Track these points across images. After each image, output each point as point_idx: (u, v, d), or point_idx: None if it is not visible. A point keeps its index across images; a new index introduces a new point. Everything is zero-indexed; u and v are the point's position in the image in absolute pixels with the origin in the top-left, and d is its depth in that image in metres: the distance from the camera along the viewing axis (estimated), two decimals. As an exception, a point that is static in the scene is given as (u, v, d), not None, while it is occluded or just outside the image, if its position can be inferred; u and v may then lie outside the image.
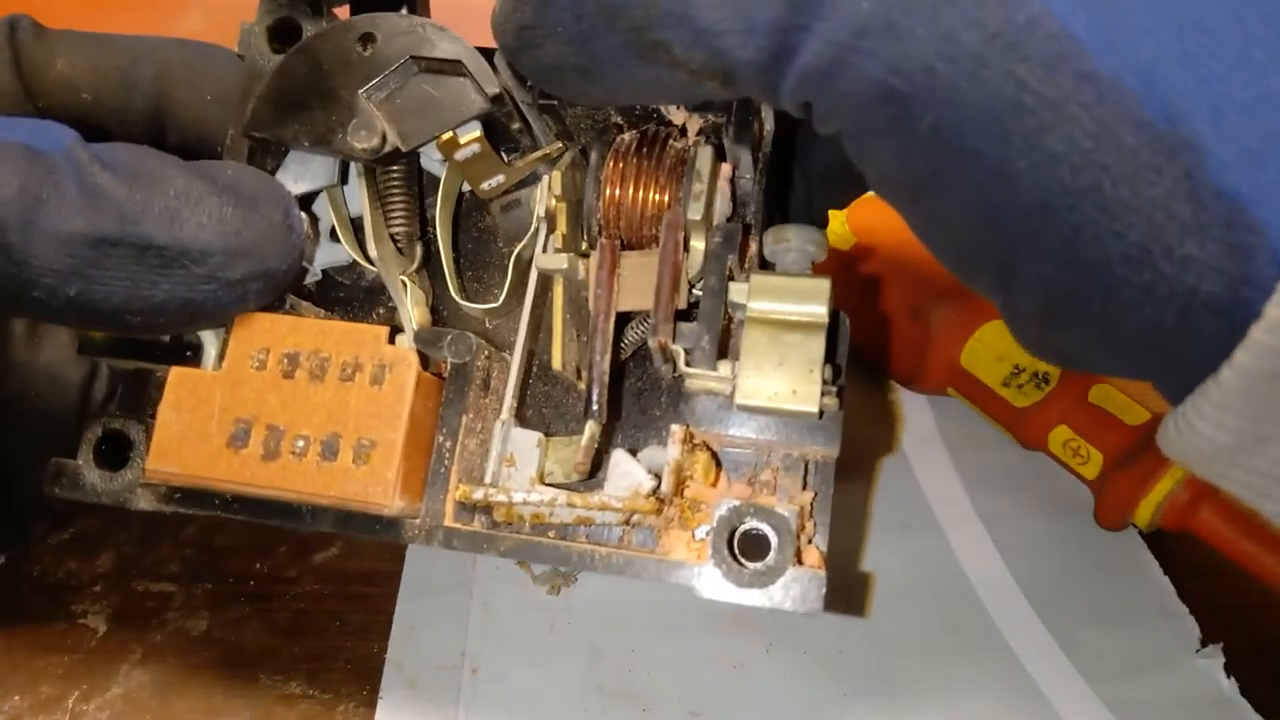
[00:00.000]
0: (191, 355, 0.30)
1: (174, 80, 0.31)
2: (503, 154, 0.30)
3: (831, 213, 0.52)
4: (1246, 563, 0.41)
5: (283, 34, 0.31)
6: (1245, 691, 0.39)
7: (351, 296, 0.32)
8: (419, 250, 0.32)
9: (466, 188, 0.32)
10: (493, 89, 0.28)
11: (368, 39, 0.29)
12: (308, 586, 0.40)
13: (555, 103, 0.30)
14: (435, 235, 0.31)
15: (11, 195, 0.23)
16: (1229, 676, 0.40)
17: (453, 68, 0.28)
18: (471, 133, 0.29)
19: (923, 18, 0.19)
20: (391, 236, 0.31)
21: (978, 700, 0.38)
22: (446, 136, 0.29)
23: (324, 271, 0.31)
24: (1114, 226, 0.18)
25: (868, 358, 0.53)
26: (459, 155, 0.30)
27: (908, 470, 0.48)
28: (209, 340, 0.29)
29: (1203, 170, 0.18)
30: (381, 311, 0.31)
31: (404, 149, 0.29)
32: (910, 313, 0.48)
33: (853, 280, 0.51)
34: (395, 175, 0.31)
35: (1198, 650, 0.41)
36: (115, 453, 0.29)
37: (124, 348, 0.30)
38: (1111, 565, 0.44)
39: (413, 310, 0.29)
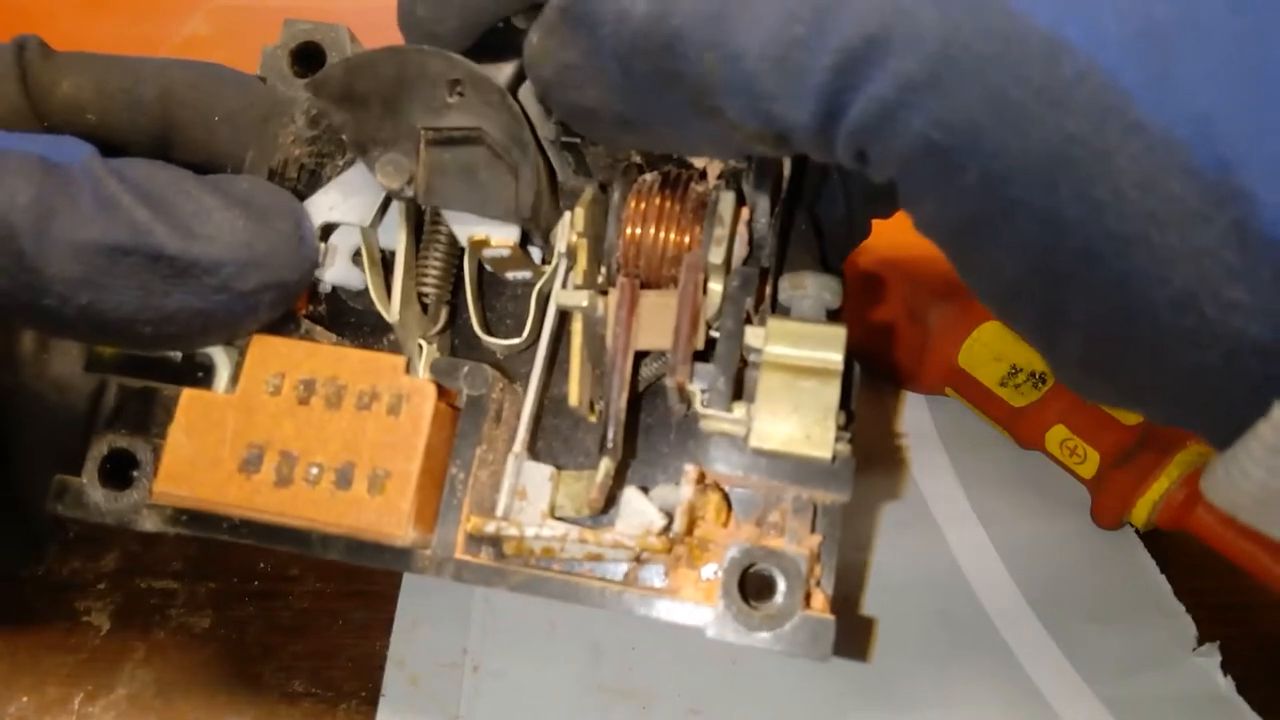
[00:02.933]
0: (203, 376, 0.29)
1: (179, 101, 0.31)
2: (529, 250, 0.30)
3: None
4: (1243, 561, 0.41)
5: (306, 58, 0.30)
6: (1242, 689, 0.39)
7: (363, 321, 0.32)
8: (444, 315, 0.31)
9: None
10: (524, 218, 0.28)
11: (458, 87, 0.28)
12: (310, 585, 0.40)
13: (577, 140, 0.30)
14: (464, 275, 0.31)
15: (26, 203, 0.23)
16: (1226, 674, 0.40)
17: (510, 169, 0.28)
18: (508, 240, 0.29)
19: (968, 74, 0.19)
20: (420, 295, 0.30)
21: (975, 698, 0.38)
22: (479, 237, 0.29)
23: (335, 289, 0.31)
24: (1161, 272, 0.18)
25: (866, 358, 0.53)
26: (487, 254, 0.30)
27: (906, 470, 0.48)
28: (221, 361, 0.29)
29: (1255, 219, 0.17)
30: (392, 336, 0.31)
31: (420, 203, 0.29)
32: (908, 313, 0.48)
33: (851, 281, 0.51)
34: (442, 233, 0.31)
35: (1194, 648, 0.41)
36: (121, 472, 0.29)
37: (133, 366, 0.30)
38: (1108, 564, 0.44)
39: (424, 372, 0.29)
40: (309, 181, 0.31)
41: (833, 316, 0.28)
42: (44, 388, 0.32)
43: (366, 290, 0.30)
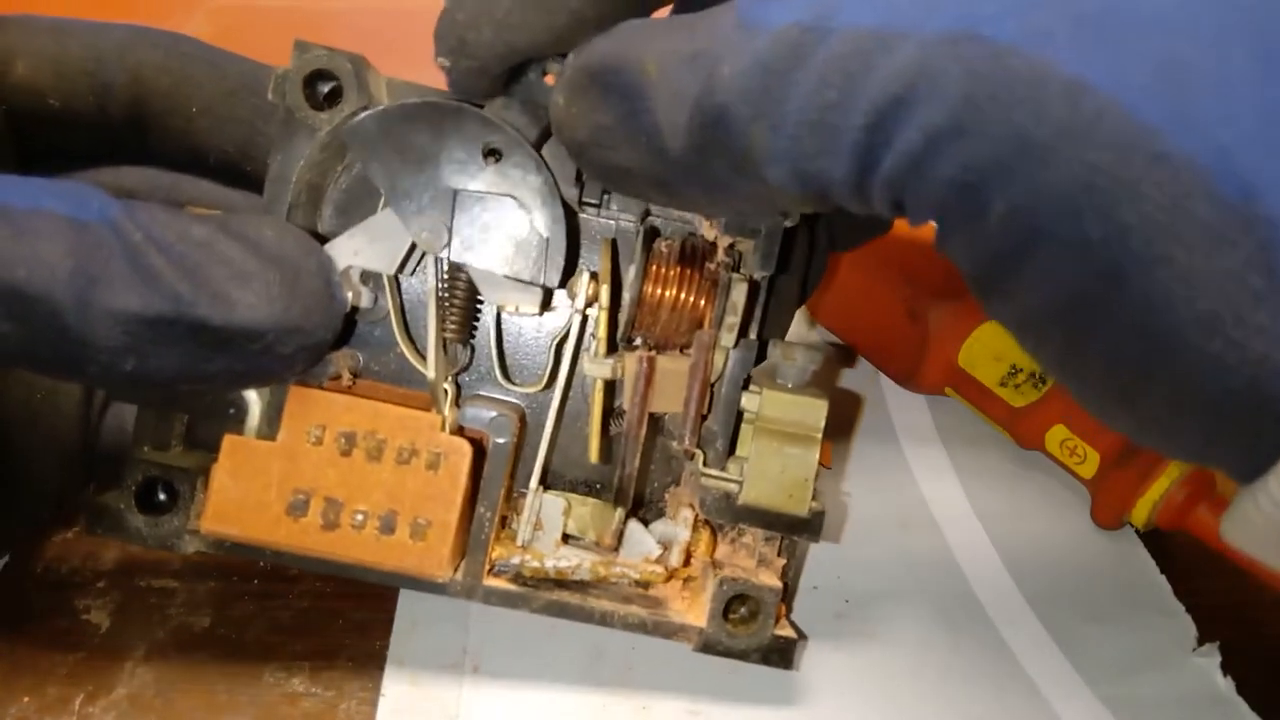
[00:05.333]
0: (234, 413, 0.30)
1: (152, 90, 0.31)
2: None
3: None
4: (1243, 561, 0.41)
5: (318, 84, 0.30)
6: (1242, 689, 0.39)
7: (368, 338, 0.33)
8: (466, 356, 0.33)
9: None
10: (553, 283, 0.30)
11: (496, 153, 0.29)
12: (310, 584, 0.40)
13: (596, 204, 0.32)
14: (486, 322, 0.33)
15: (65, 275, 0.22)
16: (1225, 675, 0.40)
17: (540, 231, 0.29)
18: (534, 304, 0.31)
19: (991, 120, 0.19)
20: (444, 339, 0.32)
21: (975, 698, 0.38)
22: (510, 307, 0.31)
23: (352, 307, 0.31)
24: (1186, 294, 0.18)
25: (866, 357, 0.53)
26: (509, 311, 0.32)
27: (906, 470, 0.48)
28: (253, 400, 0.30)
29: (1278, 246, 0.18)
30: (398, 350, 0.32)
31: (450, 257, 0.29)
32: (908, 313, 0.48)
33: (851, 281, 0.51)
34: (462, 279, 0.31)
35: (1194, 649, 0.41)
36: (155, 497, 0.30)
37: (165, 399, 0.31)
38: (1108, 564, 0.45)
39: (449, 412, 0.31)
40: (312, 196, 0.31)
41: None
42: (36, 377, 0.32)
43: (374, 308, 0.32)
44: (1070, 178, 0.19)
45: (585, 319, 0.32)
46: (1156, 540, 0.45)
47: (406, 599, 0.39)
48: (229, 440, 0.30)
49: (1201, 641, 0.41)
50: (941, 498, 0.47)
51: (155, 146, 0.32)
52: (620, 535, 0.33)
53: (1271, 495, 0.20)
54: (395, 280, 0.31)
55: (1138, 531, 0.45)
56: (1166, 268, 0.18)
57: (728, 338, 0.31)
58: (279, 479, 0.30)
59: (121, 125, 0.31)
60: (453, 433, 0.30)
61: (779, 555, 0.32)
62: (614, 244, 0.32)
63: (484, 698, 0.36)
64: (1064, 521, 0.46)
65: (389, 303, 0.31)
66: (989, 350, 0.47)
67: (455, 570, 0.31)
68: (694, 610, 0.32)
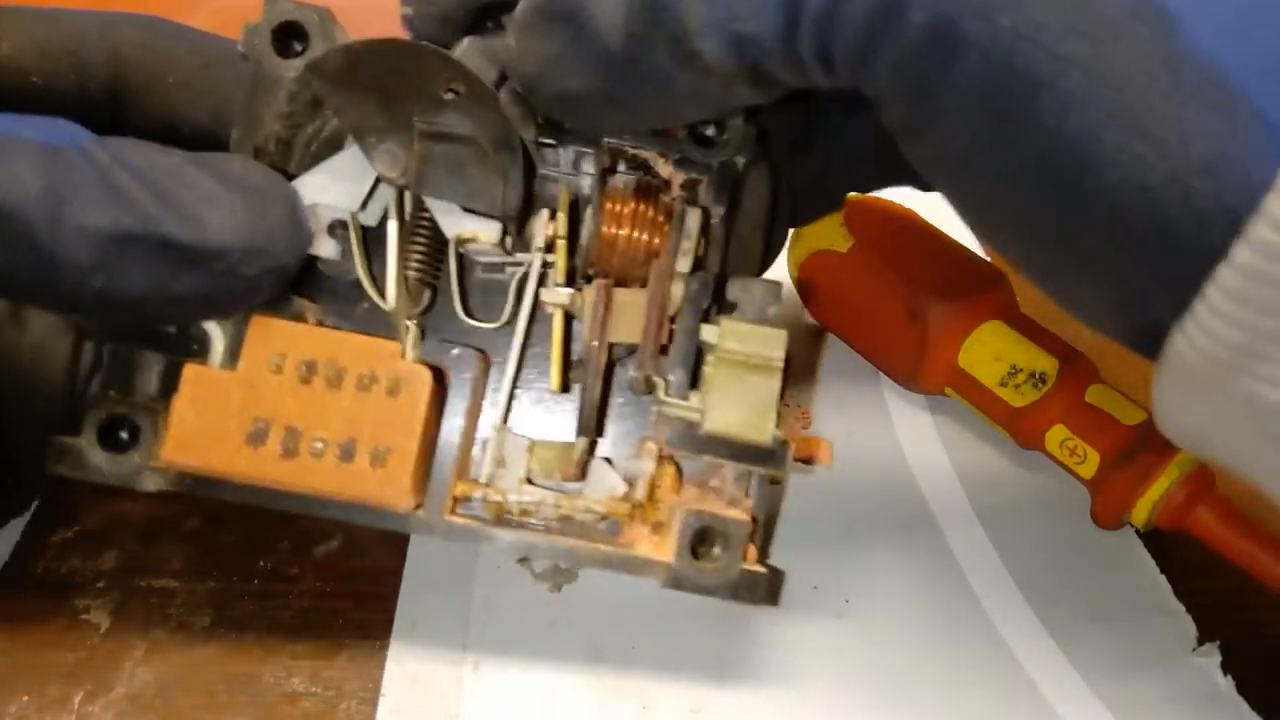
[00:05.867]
0: (198, 349, 0.31)
1: (130, 64, 0.32)
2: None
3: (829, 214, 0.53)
4: (1243, 561, 0.41)
5: (287, 38, 0.31)
6: (1242, 689, 0.39)
7: (337, 288, 0.33)
8: (427, 296, 0.33)
9: None
10: (509, 216, 0.31)
11: (456, 91, 0.29)
12: (310, 584, 0.40)
13: (553, 143, 0.32)
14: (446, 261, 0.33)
15: (37, 194, 0.23)
16: (1226, 674, 0.40)
17: (499, 167, 0.30)
18: (492, 236, 0.31)
19: None
20: (405, 278, 0.32)
21: (975, 698, 0.38)
22: (468, 234, 0.31)
23: (313, 257, 0.32)
24: (1098, 90, 0.19)
25: (866, 357, 0.53)
26: (469, 248, 0.32)
27: (905, 470, 0.48)
28: (216, 334, 0.30)
29: (1178, 37, 0.19)
30: (366, 304, 0.32)
31: (411, 189, 0.30)
32: (908, 313, 0.48)
33: (850, 281, 0.51)
34: (426, 219, 0.32)
35: (1194, 648, 0.41)
36: (118, 434, 0.30)
37: (129, 333, 0.31)
38: (1108, 564, 0.45)
39: (410, 351, 0.31)
40: (282, 152, 0.31)
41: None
42: (23, 347, 0.33)
43: (341, 260, 0.32)
44: None
45: (546, 261, 0.33)
46: (1156, 540, 0.45)
47: (406, 599, 0.39)
48: (189, 369, 0.30)
49: (1201, 641, 0.41)
50: (941, 498, 0.47)
51: (133, 119, 0.33)
52: (584, 466, 0.32)
53: (1202, 324, 0.20)
54: (357, 219, 0.32)
55: (1138, 531, 0.45)
56: (1080, 64, 0.19)
57: (683, 263, 0.31)
58: (238, 408, 0.29)
59: (101, 101, 0.32)
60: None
61: (747, 496, 0.32)
62: (571, 186, 0.33)
63: (484, 697, 0.36)
64: (1064, 521, 0.46)
65: (353, 242, 0.31)
66: (989, 350, 0.47)
67: (417, 505, 0.31)
68: (662, 552, 0.31)
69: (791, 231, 0.53)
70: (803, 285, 0.54)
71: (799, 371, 0.53)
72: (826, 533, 0.44)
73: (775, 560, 0.43)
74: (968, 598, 0.42)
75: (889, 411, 0.52)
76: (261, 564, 0.41)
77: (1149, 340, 0.23)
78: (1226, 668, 0.40)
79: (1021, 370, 0.46)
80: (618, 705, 0.37)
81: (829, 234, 0.52)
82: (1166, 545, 0.45)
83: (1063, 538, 0.45)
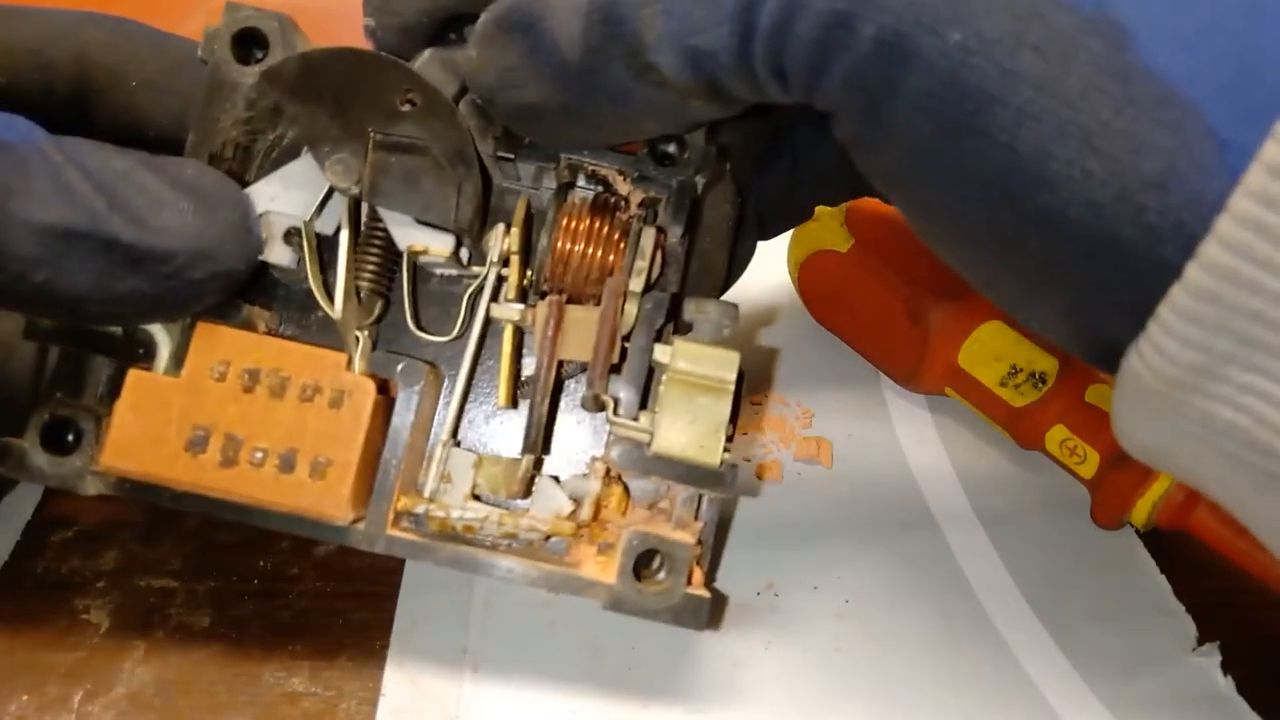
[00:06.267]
0: (144, 353, 0.30)
1: (95, 64, 0.31)
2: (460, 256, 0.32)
3: (830, 214, 0.53)
4: (1242, 561, 0.41)
5: (248, 43, 0.31)
6: (1242, 689, 0.39)
7: (291, 297, 0.33)
8: (379, 307, 0.33)
9: None
10: (462, 229, 0.30)
11: (413, 102, 0.29)
12: (310, 584, 0.40)
13: (512, 156, 0.32)
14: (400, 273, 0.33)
15: None
16: (1226, 674, 0.40)
17: (453, 180, 0.30)
18: (445, 249, 0.31)
19: None
20: (356, 288, 0.31)
21: (975, 699, 0.38)
22: (419, 247, 0.31)
23: (266, 265, 0.32)
24: (1049, 104, 0.19)
25: (866, 358, 0.53)
26: (423, 260, 0.32)
27: (905, 470, 0.48)
28: (162, 339, 0.30)
29: (1130, 50, 0.18)
30: (320, 313, 0.32)
31: (364, 200, 0.30)
32: (907, 313, 0.48)
33: (850, 281, 0.51)
34: (380, 230, 0.32)
35: (1194, 648, 0.41)
36: (62, 437, 0.30)
37: (76, 337, 0.31)
38: (1108, 564, 0.45)
39: (359, 362, 0.31)
40: (242, 159, 0.31)
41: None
42: None
43: (296, 268, 0.31)
44: None
45: (500, 275, 0.32)
46: (1156, 540, 0.45)
47: (406, 599, 0.39)
48: (132, 374, 0.29)
49: (1201, 641, 0.41)
50: (941, 498, 0.47)
51: (98, 120, 0.33)
52: (529, 483, 0.32)
53: (1156, 344, 0.20)
54: (310, 228, 0.31)
55: (1138, 531, 0.45)
56: (1030, 79, 0.19)
57: (636, 282, 0.31)
58: (179, 414, 0.29)
59: (66, 102, 0.32)
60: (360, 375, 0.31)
61: (696, 519, 0.31)
62: (528, 201, 0.33)
63: (484, 698, 0.36)
64: (1064, 521, 0.46)
65: (305, 250, 0.31)
66: (989, 350, 0.47)
67: (358, 518, 0.30)
68: (607, 573, 0.31)
69: (792, 232, 0.53)
70: (803, 285, 0.54)
71: (799, 371, 0.53)
72: (826, 533, 0.44)
73: (775, 560, 0.43)
74: (968, 598, 0.42)
75: (889, 411, 0.52)
76: (261, 564, 0.41)
77: (1105, 357, 0.22)
78: (1226, 668, 0.40)
79: (1021, 370, 0.46)
80: (618, 706, 0.37)
81: (829, 234, 0.52)
82: (1166, 545, 0.45)
83: (1063, 538, 0.45)
